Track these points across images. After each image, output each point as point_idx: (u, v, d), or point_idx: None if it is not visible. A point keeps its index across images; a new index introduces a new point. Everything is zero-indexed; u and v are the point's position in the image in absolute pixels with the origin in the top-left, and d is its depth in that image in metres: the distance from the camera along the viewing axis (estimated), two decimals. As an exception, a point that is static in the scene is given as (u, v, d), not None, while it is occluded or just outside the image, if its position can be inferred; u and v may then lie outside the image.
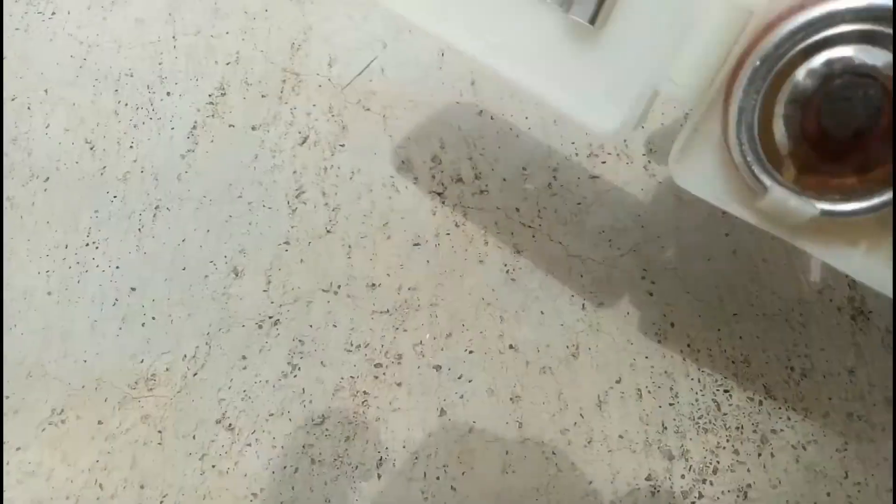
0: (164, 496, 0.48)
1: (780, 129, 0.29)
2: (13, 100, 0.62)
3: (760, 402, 0.50)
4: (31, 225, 0.57)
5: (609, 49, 0.33)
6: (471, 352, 0.52)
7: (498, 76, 0.37)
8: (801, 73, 0.28)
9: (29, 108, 0.62)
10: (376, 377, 0.51)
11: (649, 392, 0.50)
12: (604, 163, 0.58)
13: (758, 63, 0.28)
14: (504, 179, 0.58)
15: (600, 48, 0.34)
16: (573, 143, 0.59)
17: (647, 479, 0.48)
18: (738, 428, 0.49)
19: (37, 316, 0.54)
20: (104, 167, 0.59)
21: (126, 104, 0.62)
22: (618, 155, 0.58)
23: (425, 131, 0.60)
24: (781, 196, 0.29)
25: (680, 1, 0.31)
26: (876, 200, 0.28)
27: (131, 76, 0.63)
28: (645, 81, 0.32)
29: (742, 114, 0.29)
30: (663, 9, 0.31)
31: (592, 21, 0.32)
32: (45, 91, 0.63)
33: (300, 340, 0.53)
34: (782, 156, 0.29)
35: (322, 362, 0.52)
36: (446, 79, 0.62)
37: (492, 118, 0.60)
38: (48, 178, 0.59)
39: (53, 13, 0.67)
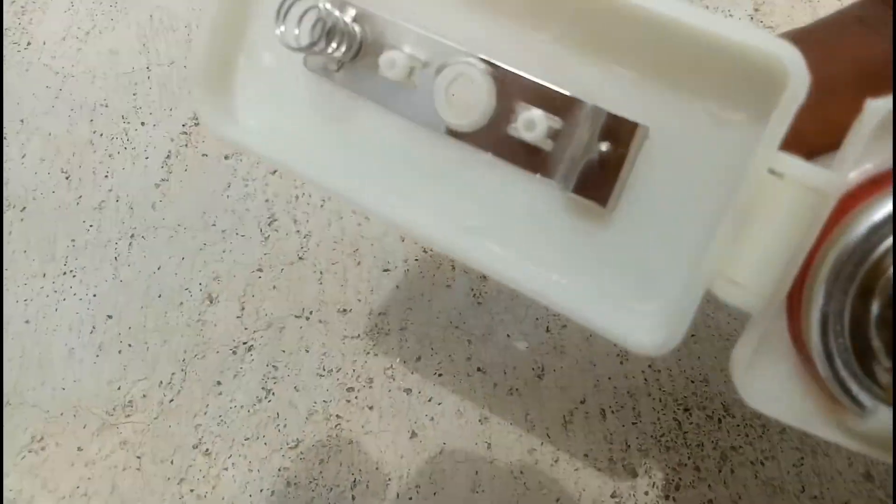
0: (142, 521, 0.49)
1: (877, 336, 0.22)
2: (-11, 130, 0.64)
3: (720, 420, 0.52)
4: (9, 254, 0.58)
5: (628, 234, 0.27)
6: (440, 374, 0.54)
7: (487, 272, 0.28)
8: None
9: (5, 138, 0.63)
10: (348, 401, 0.53)
11: (613, 412, 0.52)
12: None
13: (843, 256, 0.21)
14: (472, 205, 0.60)
15: (616, 232, 0.27)
16: (539, 168, 0.61)
17: (613, 496, 0.50)
18: (698, 445, 0.51)
19: (14, 344, 0.55)
20: (80, 196, 0.61)
21: (101, 134, 0.63)
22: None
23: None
24: (888, 419, 0.22)
25: (718, 173, 0.25)
26: None
27: (106, 106, 0.65)
28: (687, 281, 0.24)
29: (826, 320, 0.22)
30: (697, 186, 0.25)
31: (605, 202, 0.26)
32: (21, 121, 0.64)
33: (274, 366, 0.54)
34: (883, 367, 0.22)
35: (295, 387, 0.53)
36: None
37: (460, 145, 0.62)
38: (24, 208, 0.60)
39: (29, 43, 0.68)
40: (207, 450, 0.51)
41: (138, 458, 0.51)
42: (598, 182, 0.25)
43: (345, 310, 0.56)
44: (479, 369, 0.54)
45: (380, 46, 0.28)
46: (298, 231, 0.59)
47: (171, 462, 0.51)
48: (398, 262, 0.57)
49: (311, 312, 0.56)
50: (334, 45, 0.28)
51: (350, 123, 0.31)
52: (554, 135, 0.26)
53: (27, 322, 0.56)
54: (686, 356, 0.54)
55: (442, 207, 0.29)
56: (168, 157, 0.62)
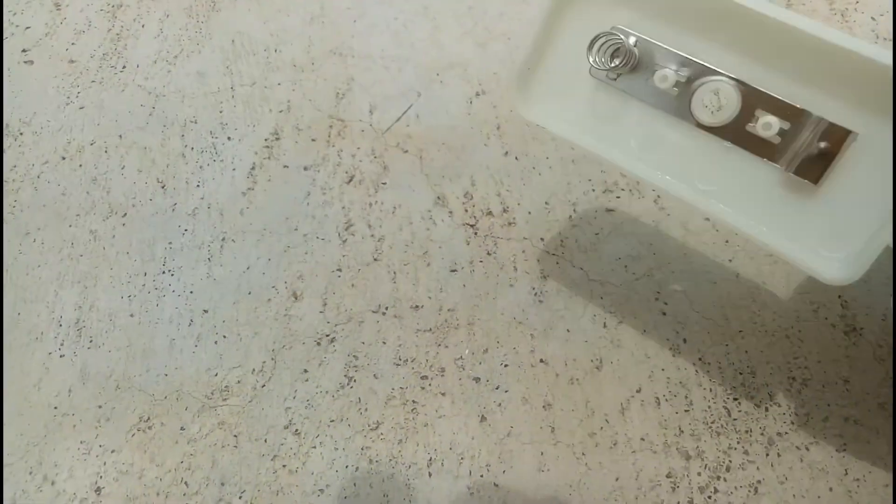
0: (243, 492, 0.54)
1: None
2: (92, 144, 0.70)
3: (766, 409, 0.56)
4: (113, 255, 0.64)
5: (830, 203, 0.38)
6: (506, 365, 0.58)
7: (712, 218, 0.42)
8: None
9: (106, 151, 0.70)
10: (423, 388, 0.58)
11: (666, 400, 0.56)
12: (618, 198, 0.65)
13: None
14: (529, 213, 0.65)
15: (820, 202, 0.39)
16: (590, 180, 0.66)
17: (668, 476, 0.54)
18: (747, 431, 0.55)
19: (121, 335, 0.61)
20: (175, 203, 0.67)
21: (192, 148, 0.69)
22: (630, 191, 0.65)
23: (457, 170, 0.67)
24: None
25: None
26: None
27: (195, 122, 0.71)
28: (871, 236, 0.36)
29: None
30: (884, 175, 0.36)
31: (817, 181, 0.37)
32: (120, 136, 0.70)
33: (354, 356, 0.59)
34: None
35: (374, 375, 0.58)
36: (474, 124, 0.70)
37: (516, 158, 0.67)
38: (125, 214, 0.66)
39: (124, 67, 0.75)
40: (297, 430, 0.56)
41: (235, 436, 0.56)
42: (813, 167, 0.38)
43: (417, 306, 0.61)
44: (541, 360, 0.58)
45: (652, 63, 0.42)
46: (373, 235, 0.64)
47: (265, 441, 0.56)
48: (464, 264, 0.62)
49: (386, 308, 0.61)
50: (617, 61, 0.42)
51: (622, 115, 0.45)
52: (783, 133, 0.38)
53: (132, 315, 0.62)
54: (734, 350, 0.58)
55: (685, 174, 0.43)
56: (253, 168, 0.68)
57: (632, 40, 0.42)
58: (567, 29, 0.44)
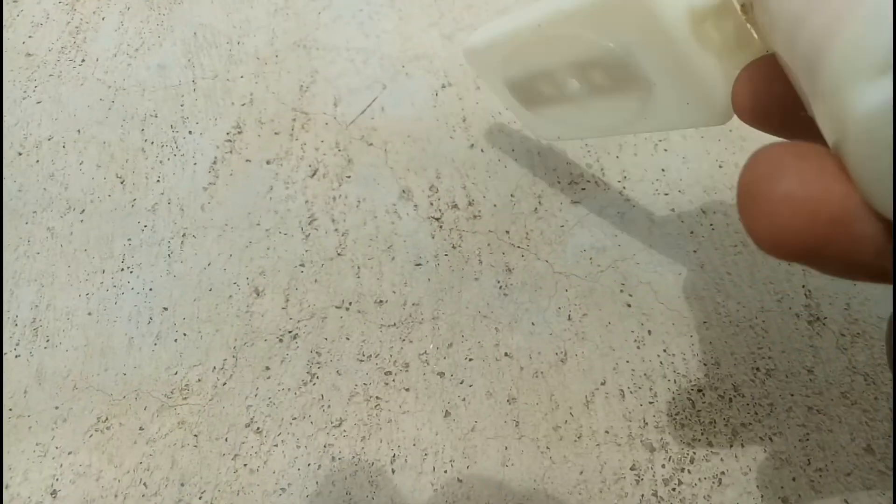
0: (203, 492, 0.53)
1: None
2: (49, 139, 0.68)
3: (730, 400, 0.56)
4: (71, 252, 0.63)
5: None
6: (470, 359, 0.58)
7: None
8: None
9: (64, 146, 0.68)
10: (386, 384, 0.57)
11: (631, 392, 0.56)
12: (583, 189, 0.65)
13: None
14: (494, 205, 0.64)
15: None
16: (555, 170, 0.65)
17: (632, 468, 0.54)
18: (711, 423, 0.55)
19: (78, 334, 0.60)
20: (134, 199, 0.65)
21: (152, 142, 0.68)
22: (596, 183, 0.65)
23: (422, 163, 0.67)
24: None
25: None
26: None
27: (156, 116, 0.70)
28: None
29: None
30: None
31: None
32: (78, 131, 0.69)
33: (317, 352, 0.58)
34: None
35: (337, 371, 0.58)
36: (440, 116, 0.69)
37: (482, 150, 0.67)
38: (83, 210, 0.65)
39: (83, 60, 0.73)
40: (259, 428, 0.56)
41: (195, 436, 0.56)
42: None
43: (381, 301, 0.60)
44: (506, 354, 0.58)
45: None
46: (336, 229, 0.63)
47: (226, 440, 0.55)
48: (429, 258, 0.62)
49: (350, 303, 0.60)
50: None
51: None
52: None
53: (90, 314, 0.61)
54: (698, 342, 0.58)
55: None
56: (214, 162, 0.67)
57: None
58: None
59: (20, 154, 0.68)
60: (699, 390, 0.56)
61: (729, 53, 0.34)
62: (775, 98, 0.30)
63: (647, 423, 0.55)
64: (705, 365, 0.57)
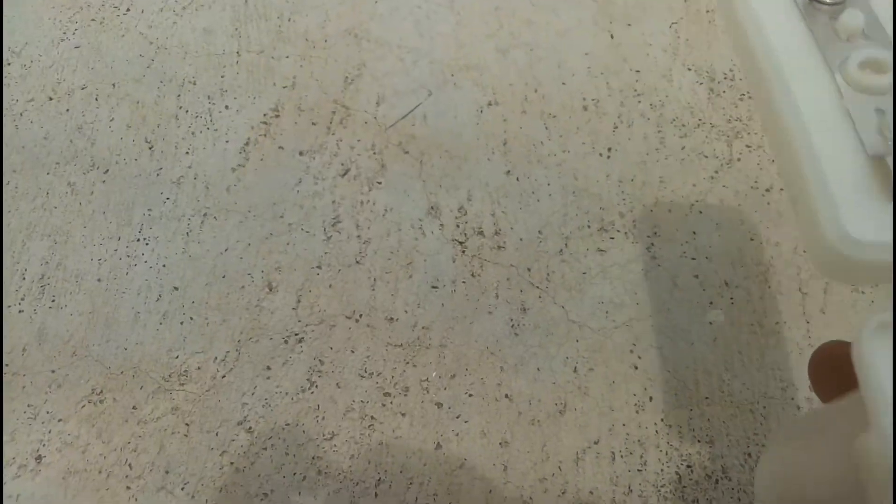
0: (186, 483, 0.53)
1: None
2: (83, 88, 0.67)
3: (717, 481, 0.56)
4: (89, 213, 0.62)
5: None
6: (470, 395, 0.58)
7: None
8: None
9: (97, 98, 0.67)
10: (384, 405, 0.57)
11: (622, 456, 0.57)
12: (612, 238, 0.64)
13: None
14: (521, 239, 0.64)
15: None
16: (588, 213, 0.65)
17: (609, 532, 0.54)
18: (693, 501, 0.56)
19: (85, 299, 0.59)
20: (160, 168, 0.64)
21: (187, 111, 0.67)
22: (625, 234, 0.64)
23: (456, 181, 0.66)
24: None
25: None
26: None
27: (194, 84, 0.68)
28: None
29: None
30: None
31: None
32: (113, 85, 0.67)
33: (320, 360, 0.58)
34: None
35: (337, 384, 0.57)
36: (481, 135, 0.68)
37: (517, 179, 0.66)
38: (107, 171, 0.64)
39: (128, 9, 0.71)
40: (251, 428, 0.56)
41: (187, 425, 0.55)
42: None
43: (392, 318, 0.60)
44: (506, 396, 0.58)
45: None
46: (359, 236, 0.63)
47: (217, 434, 0.55)
48: (447, 282, 0.61)
49: (360, 315, 0.60)
50: None
51: None
52: None
53: (99, 280, 0.60)
54: (698, 416, 0.58)
55: None
56: (247, 143, 0.66)
57: None
58: None
59: (51, 99, 0.66)
60: (688, 466, 0.57)
61: None
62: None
63: (631, 491, 0.56)
64: (699, 441, 0.57)
